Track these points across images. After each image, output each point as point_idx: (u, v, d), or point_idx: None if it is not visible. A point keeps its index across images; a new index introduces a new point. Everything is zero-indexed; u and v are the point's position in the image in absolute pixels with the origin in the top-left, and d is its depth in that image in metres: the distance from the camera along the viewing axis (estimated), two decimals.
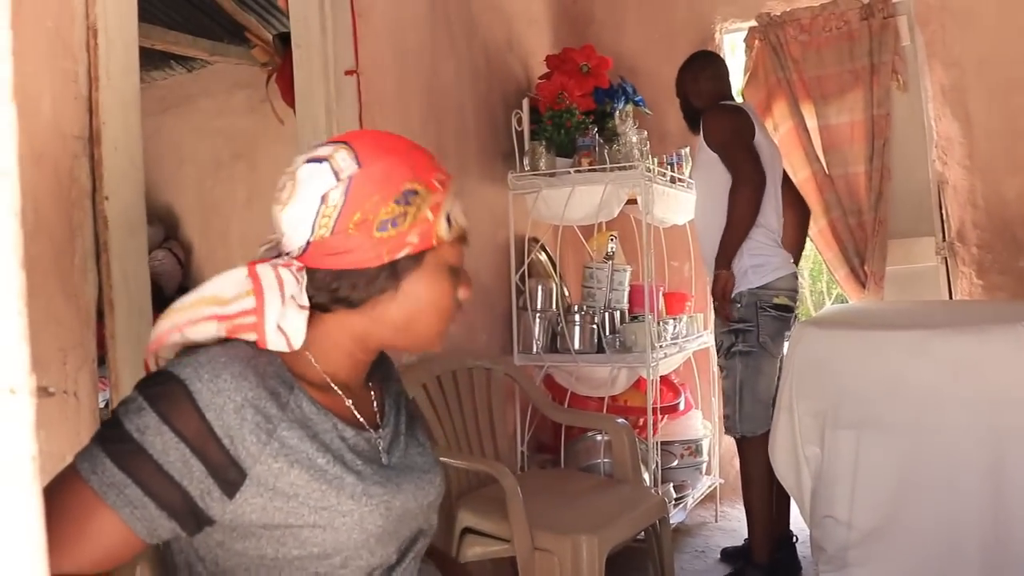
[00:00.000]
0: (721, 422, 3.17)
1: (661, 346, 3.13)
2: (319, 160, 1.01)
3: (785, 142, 3.73)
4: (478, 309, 3.01)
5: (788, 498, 2.91)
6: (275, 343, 0.98)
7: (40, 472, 1.27)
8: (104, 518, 0.89)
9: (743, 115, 2.98)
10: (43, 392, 1.26)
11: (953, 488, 2.07)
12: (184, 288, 5.20)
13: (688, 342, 3.48)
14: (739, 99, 3.45)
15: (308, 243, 1.01)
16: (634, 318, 3.34)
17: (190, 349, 0.98)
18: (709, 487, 3.72)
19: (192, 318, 0.99)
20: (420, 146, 1.08)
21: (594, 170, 3.04)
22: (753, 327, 2.89)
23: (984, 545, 2.04)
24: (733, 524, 3.64)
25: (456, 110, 2.94)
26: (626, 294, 3.44)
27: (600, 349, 3.12)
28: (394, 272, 1.01)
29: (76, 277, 1.53)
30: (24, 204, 1.39)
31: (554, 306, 3.19)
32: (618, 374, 3.11)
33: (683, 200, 3.44)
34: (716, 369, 3.29)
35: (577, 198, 3.08)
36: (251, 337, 0.98)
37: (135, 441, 0.89)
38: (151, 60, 4.96)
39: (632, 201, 3.15)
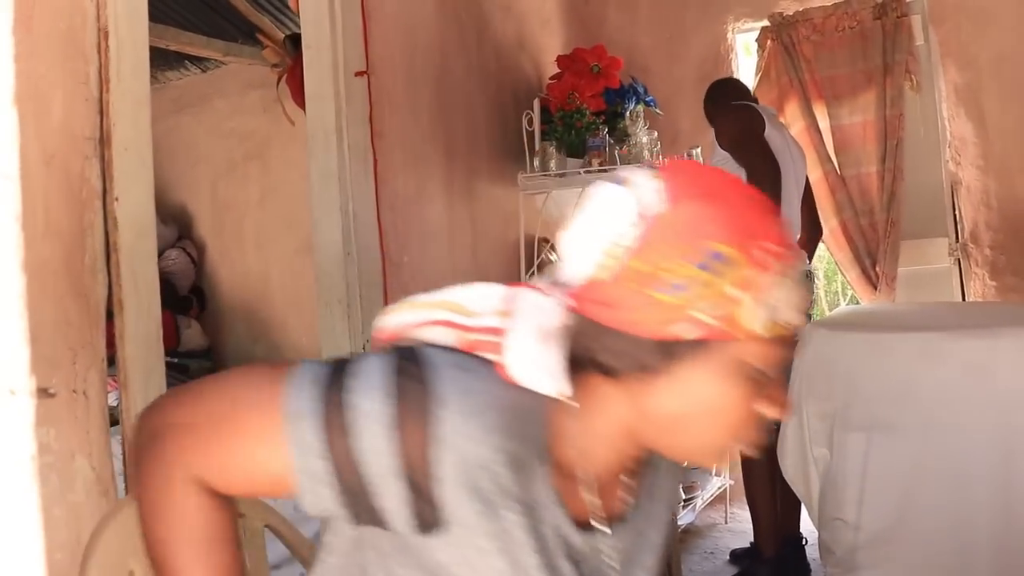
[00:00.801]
0: None
1: None
2: (623, 184, 0.81)
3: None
4: None
5: (799, 500, 2.90)
6: (524, 375, 0.80)
7: (50, 470, 1.28)
8: (279, 463, 0.79)
9: (753, 112, 2.98)
10: (43, 393, 1.28)
11: (962, 491, 2.06)
12: (197, 288, 5.23)
13: None
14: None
15: (584, 282, 0.80)
16: None
17: (467, 355, 0.82)
18: (719, 488, 3.72)
19: (428, 319, 0.87)
20: (767, 203, 0.82)
21: (604, 170, 3.04)
22: None
23: (994, 548, 2.03)
24: (743, 526, 3.63)
25: (466, 110, 2.95)
26: None
27: None
28: (667, 351, 0.77)
29: (86, 277, 1.55)
30: (35, 205, 1.41)
31: None
32: None
33: None
34: None
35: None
36: (491, 356, 0.81)
37: (352, 422, 0.77)
38: (166, 61, 5.00)
39: None
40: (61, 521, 1.23)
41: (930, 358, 2.17)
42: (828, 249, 3.84)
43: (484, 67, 3.11)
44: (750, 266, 0.75)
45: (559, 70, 3.39)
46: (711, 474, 3.69)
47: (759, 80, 3.94)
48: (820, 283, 7.26)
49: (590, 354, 0.80)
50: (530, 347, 0.80)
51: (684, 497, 3.36)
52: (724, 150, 2.94)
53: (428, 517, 0.77)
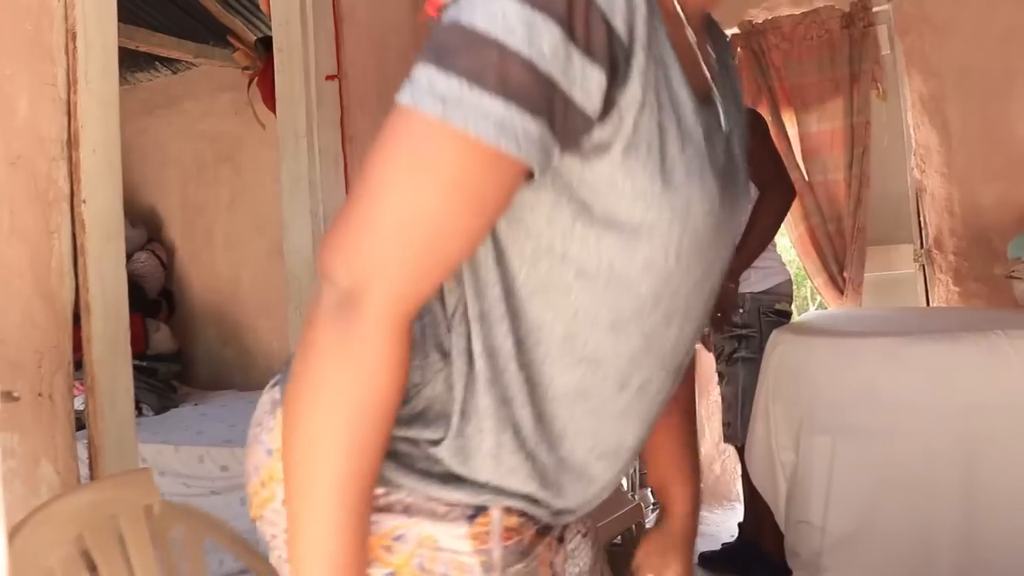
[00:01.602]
0: (722, 429, 3.13)
1: None
2: None
3: None
4: None
5: None
6: None
7: (14, 476, 1.27)
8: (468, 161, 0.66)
9: (761, 117, 2.94)
10: (7, 397, 1.27)
11: (926, 492, 2.10)
12: (166, 291, 5.19)
13: None
14: None
15: None
16: None
17: None
18: None
19: None
20: None
21: None
22: (756, 333, 2.87)
23: (957, 550, 2.07)
24: (711, 528, 3.66)
25: None
26: None
27: None
28: None
29: (53, 280, 1.54)
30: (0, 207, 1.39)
31: None
32: None
33: None
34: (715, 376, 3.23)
35: None
36: None
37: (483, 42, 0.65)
38: (136, 62, 4.96)
39: None
40: None
41: (894, 363, 2.21)
42: (796, 255, 3.88)
43: None
44: None
45: None
46: None
47: None
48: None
49: None
50: None
51: (652, 501, 3.38)
52: None
53: (616, 56, 0.67)
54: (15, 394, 1.30)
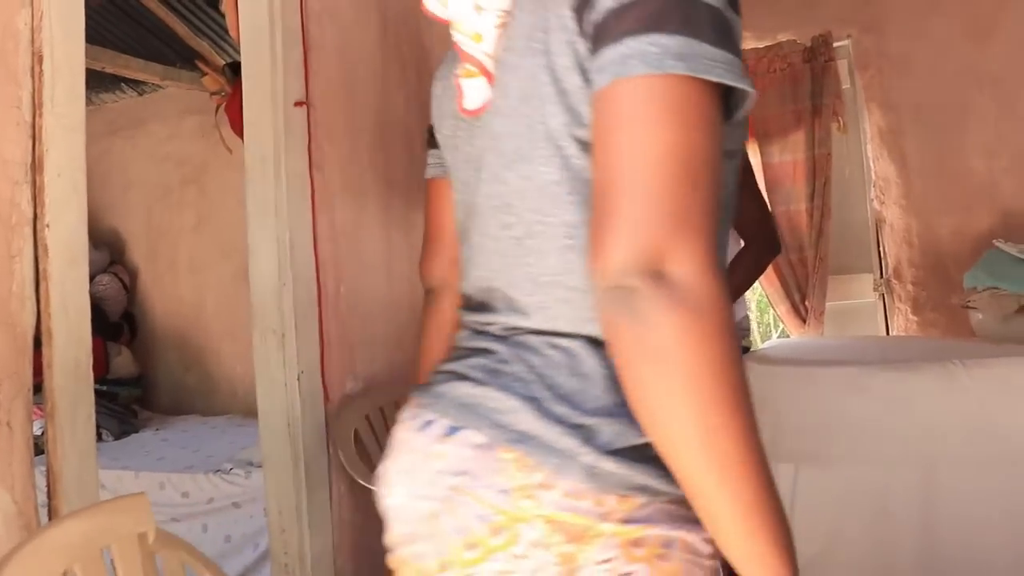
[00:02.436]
0: None
1: None
2: None
3: None
4: None
5: None
6: None
7: None
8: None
9: (747, 158, 2.96)
10: None
11: (886, 520, 2.14)
12: (129, 314, 5.13)
13: None
14: None
15: None
16: None
17: None
18: None
19: None
20: None
21: None
22: None
23: (917, 572, 2.10)
24: None
25: (405, 140, 2.96)
26: None
27: None
28: None
29: (14, 305, 1.52)
30: None
31: None
32: None
33: None
34: None
35: None
36: None
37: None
38: (101, 82, 4.93)
39: None
40: None
41: (856, 391, 2.24)
42: (760, 283, 3.93)
43: (423, 99, 3.11)
44: None
45: None
46: None
47: None
48: (753, 315, 7.41)
49: None
50: None
51: None
52: None
53: None
54: None
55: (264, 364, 2.31)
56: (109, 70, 4.18)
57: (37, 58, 1.66)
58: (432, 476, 0.83)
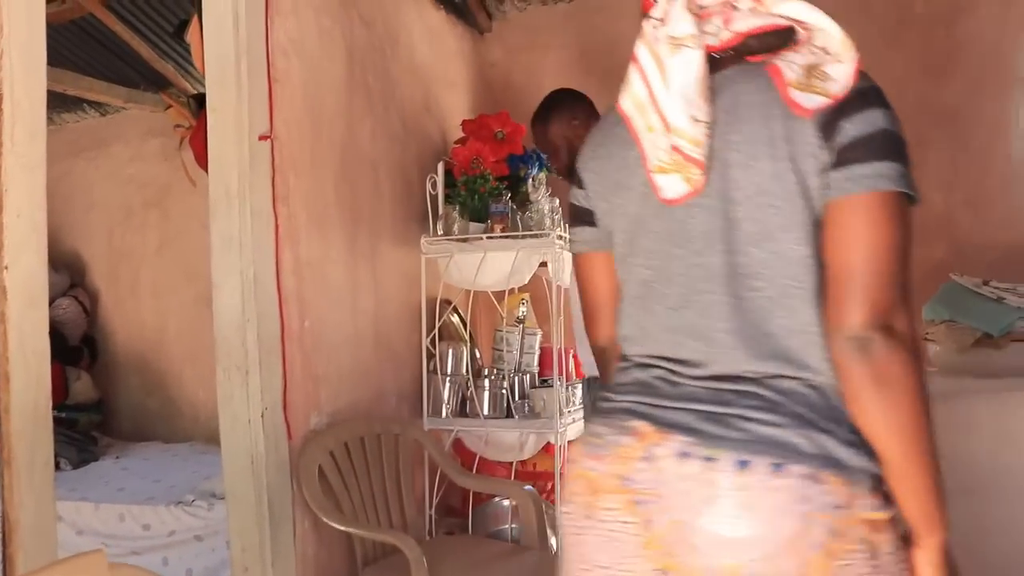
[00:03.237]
0: None
1: (570, 411, 3.16)
2: None
3: None
4: (388, 372, 3.01)
5: None
6: None
7: None
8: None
9: None
10: None
11: None
12: (89, 338, 5.06)
13: None
14: None
15: None
16: (543, 382, 3.37)
17: None
18: None
19: None
20: None
21: (507, 237, 3.07)
22: None
23: None
24: None
25: (371, 173, 2.97)
26: (537, 357, 3.47)
27: (509, 414, 3.14)
28: None
29: None
30: None
31: (464, 370, 3.20)
32: (527, 439, 3.14)
33: None
34: None
35: (489, 263, 3.11)
36: None
37: None
38: (63, 102, 4.88)
39: (545, 263, 3.21)
40: None
41: None
42: None
43: (390, 130, 3.13)
44: None
45: (464, 134, 3.43)
46: None
47: None
48: None
49: None
50: None
51: None
52: None
53: None
54: None
55: (227, 401, 2.30)
56: (72, 92, 4.14)
57: None
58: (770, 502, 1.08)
